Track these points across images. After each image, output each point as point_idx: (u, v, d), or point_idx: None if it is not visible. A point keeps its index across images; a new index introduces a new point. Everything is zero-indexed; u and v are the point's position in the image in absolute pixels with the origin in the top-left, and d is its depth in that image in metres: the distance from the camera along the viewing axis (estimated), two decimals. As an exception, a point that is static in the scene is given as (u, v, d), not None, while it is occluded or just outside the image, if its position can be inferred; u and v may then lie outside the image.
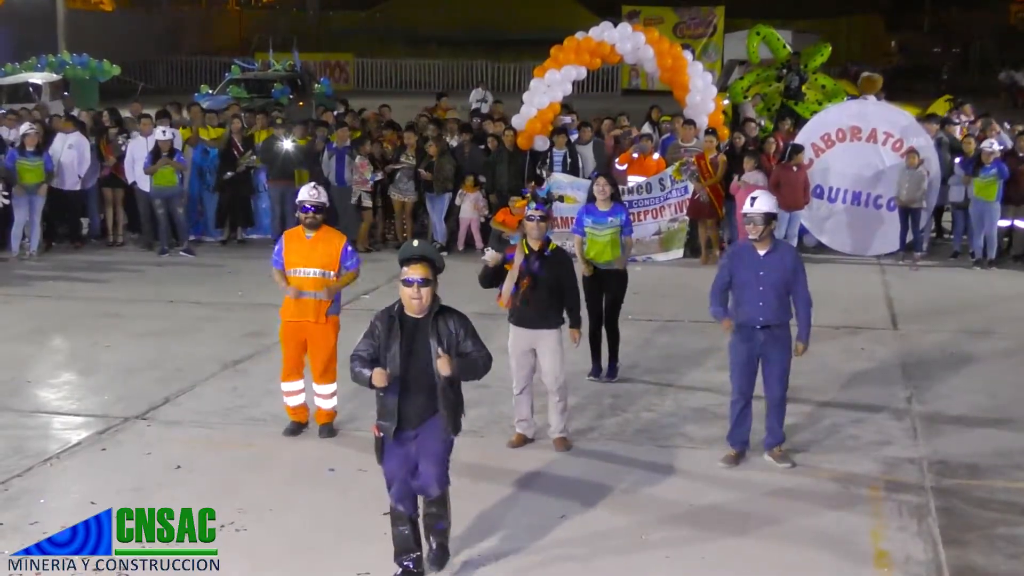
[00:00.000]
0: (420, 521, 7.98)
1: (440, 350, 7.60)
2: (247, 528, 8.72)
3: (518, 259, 10.36)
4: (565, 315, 10.53)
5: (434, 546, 8.04)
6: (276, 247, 10.78)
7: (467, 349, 7.74)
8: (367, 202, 19.05)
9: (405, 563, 7.92)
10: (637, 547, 8.54)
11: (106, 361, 13.10)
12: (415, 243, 7.86)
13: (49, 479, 9.73)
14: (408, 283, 7.61)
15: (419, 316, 7.66)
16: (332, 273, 10.49)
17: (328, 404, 10.77)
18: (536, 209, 10.49)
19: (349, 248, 10.63)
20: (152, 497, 9.09)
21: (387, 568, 7.97)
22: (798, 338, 10.00)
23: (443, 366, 7.56)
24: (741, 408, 10.10)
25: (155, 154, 18.36)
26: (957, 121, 21.60)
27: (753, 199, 9.90)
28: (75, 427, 10.99)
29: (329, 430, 10.75)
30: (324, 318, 10.51)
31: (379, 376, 7.58)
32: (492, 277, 10.46)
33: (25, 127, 18.85)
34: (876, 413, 11.51)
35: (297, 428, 10.79)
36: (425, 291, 7.60)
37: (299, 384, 10.77)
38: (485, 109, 27.71)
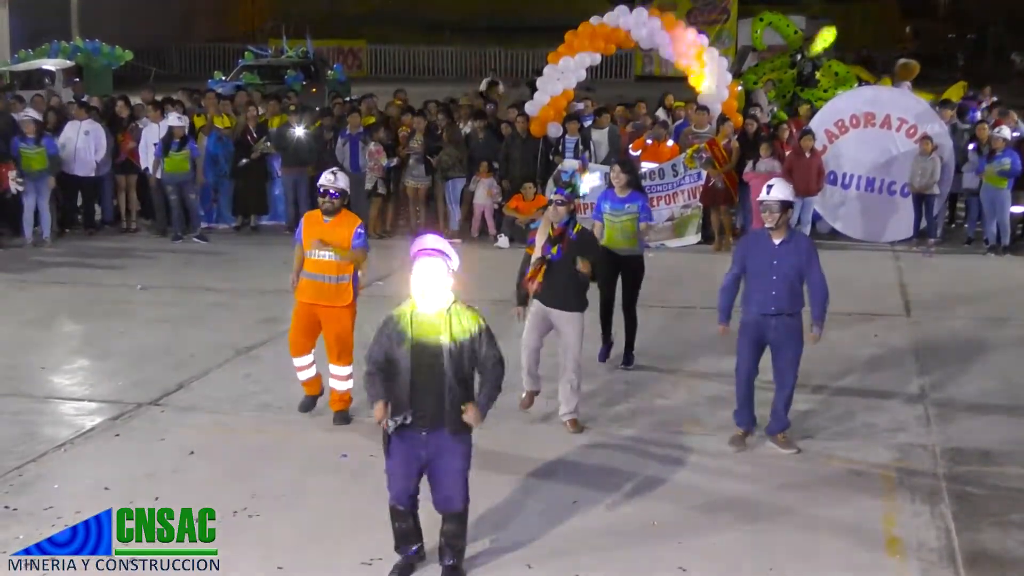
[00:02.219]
0: (439, 537, 7.89)
1: (470, 406, 7.56)
2: (260, 514, 8.74)
3: (539, 241, 10.41)
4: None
5: (449, 563, 7.87)
6: (299, 225, 10.80)
7: (483, 355, 7.58)
8: (382, 189, 19.07)
9: (408, 552, 7.90)
10: (649, 534, 8.55)
11: (119, 347, 13.13)
12: (428, 237, 7.80)
13: (63, 465, 9.76)
14: (418, 277, 7.56)
15: (431, 312, 7.57)
16: (349, 256, 10.53)
17: (343, 386, 10.76)
18: (557, 194, 10.52)
19: (360, 230, 10.61)
20: (165, 483, 9.14)
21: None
22: (813, 324, 9.97)
23: (472, 419, 7.55)
24: (746, 388, 10.14)
25: (166, 140, 18.38)
26: (979, 108, 21.46)
27: (770, 187, 9.89)
28: (89, 413, 11.03)
29: (344, 416, 10.75)
30: (343, 301, 10.53)
31: (378, 410, 7.61)
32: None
33: (23, 114, 18.87)
34: (889, 400, 11.50)
35: (311, 402, 10.87)
36: (436, 286, 7.55)
37: (308, 359, 10.80)
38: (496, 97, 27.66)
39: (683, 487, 9.39)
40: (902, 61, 27.99)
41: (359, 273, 10.74)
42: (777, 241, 9.84)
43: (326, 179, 10.49)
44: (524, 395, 10.82)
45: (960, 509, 8.96)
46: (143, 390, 11.59)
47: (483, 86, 26.88)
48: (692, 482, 9.49)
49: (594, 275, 10.63)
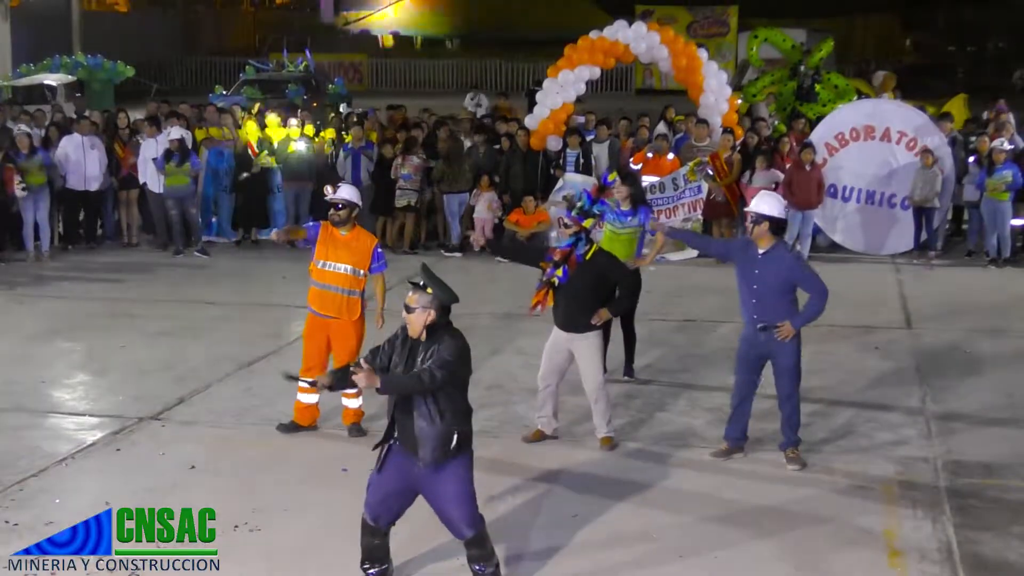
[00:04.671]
0: (468, 564, 7.83)
1: (363, 361, 7.42)
2: (261, 528, 8.74)
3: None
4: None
5: None
6: (315, 225, 10.84)
7: (424, 366, 7.42)
8: (415, 202, 19.15)
9: (370, 572, 7.86)
10: (649, 547, 8.55)
11: (120, 361, 13.13)
12: (422, 266, 7.86)
13: (64, 479, 9.76)
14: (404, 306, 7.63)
15: (416, 336, 7.57)
16: (362, 272, 10.56)
17: (354, 404, 10.79)
18: (566, 216, 10.49)
19: (379, 250, 10.71)
20: (166, 497, 9.10)
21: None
22: (792, 319, 9.79)
23: (360, 379, 7.26)
24: (738, 403, 10.19)
25: (166, 155, 18.41)
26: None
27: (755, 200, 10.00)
28: (90, 427, 11.02)
29: (358, 429, 10.75)
30: (352, 315, 10.54)
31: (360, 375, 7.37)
32: (510, 249, 10.56)
33: (16, 129, 18.87)
34: (890, 412, 11.50)
35: (294, 428, 10.81)
36: (411, 317, 7.51)
37: None
38: (481, 113, 27.69)
39: (684, 500, 9.38)
40: (883, 74, 28.11)
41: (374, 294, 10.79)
42: (760, 251, 9.84)
43: (333, 191, 10.59)
44: (534, 431, 10.67)
45: (961, 521, 8.95)
46: (144, 404, 11.59)
47: (472, 107, 26.89)
48: (693, 495, 9.48)
49: (616, 310, 10.69)
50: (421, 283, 7.58)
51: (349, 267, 10.51)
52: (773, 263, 9.77)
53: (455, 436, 7.47)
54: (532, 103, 21.54)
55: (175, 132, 18.66)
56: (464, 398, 7.64)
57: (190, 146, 19.00)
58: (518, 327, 13.85)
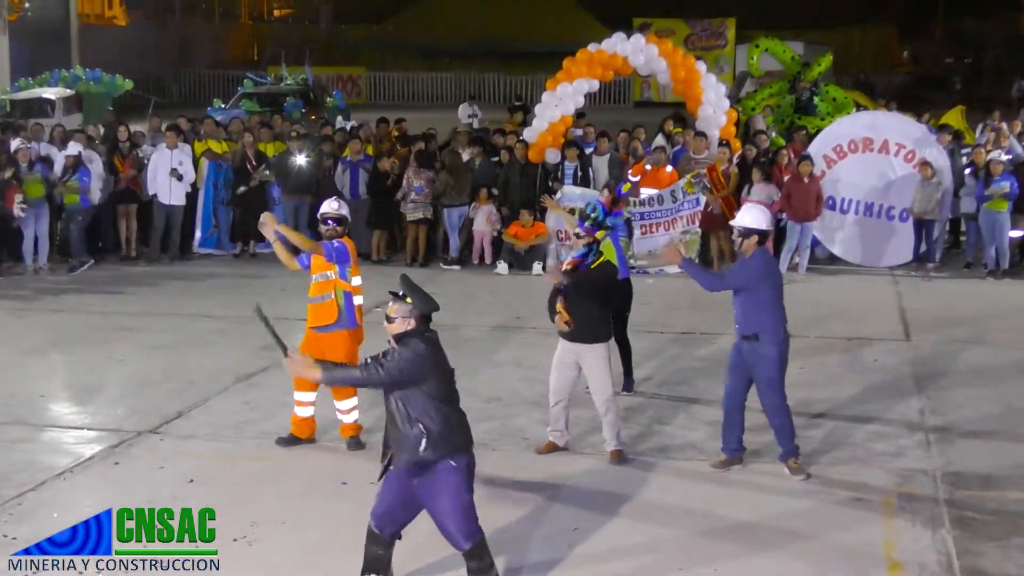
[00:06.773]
0: None
1: (289, 349, 7.64)
2: (260, 541, 8.73)
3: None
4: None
5: None
6: (340, 244, 10.82)
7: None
8: (428, 214, 19.21)
9: None
10: (649, 560, 8.54)
11: (119, 375, 13.12)
12: (401, 276, 7.93)
13: (62, 493, 9.75)
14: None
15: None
16: (330, 273, 10.51)
17: (349, 419, 10.76)
18: (579, 226, 10.50)
19: (337, 244, 10.51)
20: (165, 511, 9.13)
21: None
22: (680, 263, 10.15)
23: (292, 365, 7.71)
24: (727, 412, 10.23)
25: (64, 170, 18.50)
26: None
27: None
28: (88, 441, 11.01)
29: (357, 442, 10.74)
30: (327, 319, 10.51)
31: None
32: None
33: (16, 143, 18.87)
34: (889, 424, 11.49)
35: (292, 441, 10.80)
36: (392, 327, 7.65)
37: (309, 396, 10.76)
38: (476, 124, 27.71)
39: (683, 513, 9.37)
40: None
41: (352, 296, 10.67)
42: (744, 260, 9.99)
43: (329, 207, 10.59)
44: (545, 444, 10.64)
45: (961, 533, 8.95)
46: (142, 418, 11.58)
47: (467, 118, 26.93)
48: (692, 508, 9.47)
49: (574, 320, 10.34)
50: (400, 293, 7.65)
51: (319, 273, 10.54)
52: (743, 272, 9.88)
53: (424, 439, 7.50)
54: (515, 118, 21.50)
55: (72, 148, 18.67)
56: (441, 405, 7.60)
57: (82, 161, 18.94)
58: (517, 339, 13.87)
